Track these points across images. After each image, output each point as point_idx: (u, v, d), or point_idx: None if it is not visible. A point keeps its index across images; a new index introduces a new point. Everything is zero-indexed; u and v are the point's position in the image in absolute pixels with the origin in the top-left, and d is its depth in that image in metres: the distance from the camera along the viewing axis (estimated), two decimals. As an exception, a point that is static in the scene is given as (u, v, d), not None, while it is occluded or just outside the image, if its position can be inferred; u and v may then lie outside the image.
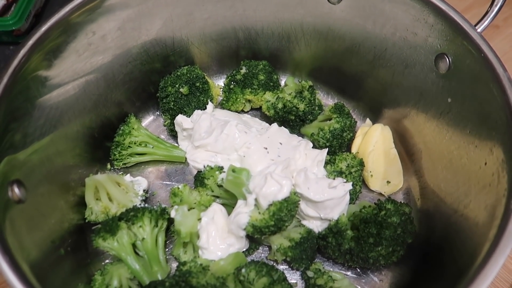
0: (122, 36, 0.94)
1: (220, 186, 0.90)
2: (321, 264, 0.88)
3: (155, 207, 0.88)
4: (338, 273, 0.86)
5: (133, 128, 1.01)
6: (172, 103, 1.02)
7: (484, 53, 0.76)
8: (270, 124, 1.01)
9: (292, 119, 1.02)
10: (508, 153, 0.69)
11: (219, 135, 0.94)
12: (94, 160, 0.99)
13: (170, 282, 0.74)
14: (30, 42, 0.76)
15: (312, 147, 0.96)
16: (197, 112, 1.00)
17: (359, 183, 0.97)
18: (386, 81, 1.01)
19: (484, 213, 0.72)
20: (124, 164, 1.01)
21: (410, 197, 1.00)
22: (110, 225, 0.82)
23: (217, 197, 0.91)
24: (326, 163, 0.95)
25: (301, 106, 1.00)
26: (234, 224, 0.82)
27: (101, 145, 1.01)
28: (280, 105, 1.02)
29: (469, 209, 0.78)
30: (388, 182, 0.99)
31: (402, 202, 0.91)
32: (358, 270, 0.90)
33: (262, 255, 0.92)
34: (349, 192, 0.87)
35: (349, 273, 0.90)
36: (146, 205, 0.94)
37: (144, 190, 0.96)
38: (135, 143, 1.00)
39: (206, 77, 1.07)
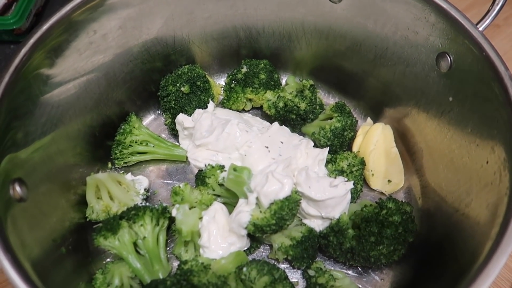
0: (123, 35, 0.94)
1: (221, 185, 0.90)
2: (322, 263, 0.88)
3: (156, 206, 0.87)
4: (339, 272, 0.86)
5: (134, 127, 1.01)
6: (173, 102, 1.02)
7: (485, 51, 0.75)
8: (271, 123, 1.01)
9: (293, 118, 1.02)
10: (510, 151, 0.69)
11: (220, 134, 0.94)
12: (95, 159, 0.99)
13: (171, 281, 0.74)
14: (32, 41, 0.76)
15: (313, 146, 0.96)
16: (198, 111, 1.00)
17: (360, 182, 0.97)
18: (387, 80, 1.01)
19: (485, 212, 0.71)
20: (125, 163, 1.01)
21: (411, 196, 1.00)
22: (111, 224, 0.82)
23: (218, 196, 0.91)
24: (327, 162, 0.95)
25: (302, 105, 1.00)
26: (235, 223, 0.82)
27: (102, 144, 1.01)
28: (281, 104, 1.02)
29: (471, 208, 0.78)
30: (389, 181, 0.99)
31: (403, 201, 0.91)
32: (359, 269, 0.90)
33: (263, 254, 0.92)
34: (350, 191, 0.87)
35: (350, 272, 0.90)
36: (147, 204, 0.94)
37: (145, 189, 0.96)
38: (136, 142, 1.00)
39: (207, 76, 1.07)
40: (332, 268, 0.89)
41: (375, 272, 0.90)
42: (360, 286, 0.88)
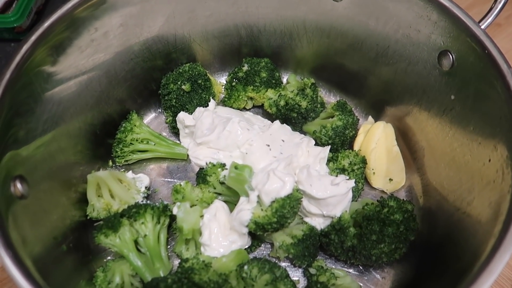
0: (124, 33, 0.94)
1: (222, 183, 0.90)
2: (323, 261, 0.88)
3: (157, 204, 0.87)
4: (341, 270, 0.86)
5: (135, 125, 1.00)
6: (174, 100, 1.02)
7: (488, 49, 0.75)
8: (272, 122, 1.01)
9: (294, 117, 1.02)
10: (512, 149, 0.69)
11: (221, 132, 0.94)
12: (96, 157, 0.99)
13: (172, 279, 0.74)
14: (33, 38, 0.76)
15: (315, 145, 0.96)
16: (199, 109, 1.00)
17: (362, 180, 0.97)
18: (389, 79, 1.01)
19: (487, 210, 0.71)
20: (126, 161, 1.01)
21: (412, 194, 1.00)
22: (112, 222, 0.82)
23: (219, 194, 0.91)
24: (329, 160, 0.95)
25: (303, 104, 1.00)
26: (236, 221, 0.82)
27: (103, 142, 1.01)
28: (282, 103, 1.02)
29: (472, 206, 0.78)
30: (391, 179, 0.99)
31: (405, 199, 0.91)
32: (361, 267, 0.90)
33: (265, 252, 0.92)
34: (352, 189, 0.87)
35: (351, 270, 0.90)
36: (148, 202, 0.94)
37: (146, 187, 0.96)
38: (137, 140, 1.00)
39: (208, 75, 1.07)
40: (333, 267, 0.89)
41: (376, 271, 0.90)
42: (361, 284, 0.88)
